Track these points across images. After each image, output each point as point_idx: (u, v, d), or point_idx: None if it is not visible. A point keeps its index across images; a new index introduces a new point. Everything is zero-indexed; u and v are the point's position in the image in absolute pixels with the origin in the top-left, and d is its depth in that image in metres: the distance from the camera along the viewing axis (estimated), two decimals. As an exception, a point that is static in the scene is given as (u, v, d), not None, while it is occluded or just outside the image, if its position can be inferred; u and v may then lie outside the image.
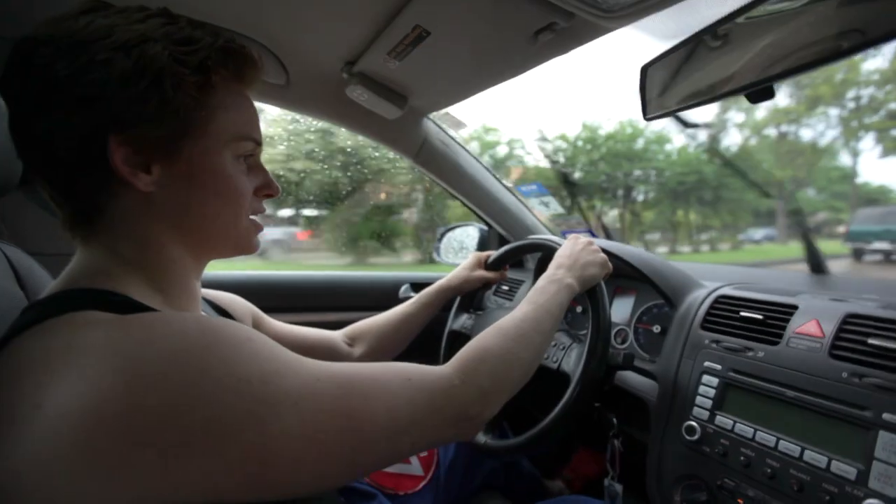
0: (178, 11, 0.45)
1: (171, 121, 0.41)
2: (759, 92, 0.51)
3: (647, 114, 0.66)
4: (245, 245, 0.51)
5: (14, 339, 0.36)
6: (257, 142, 0.49)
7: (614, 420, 0.79)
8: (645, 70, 0.65)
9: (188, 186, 0.44)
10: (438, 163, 1.18)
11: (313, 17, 0.74)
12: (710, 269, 1.00)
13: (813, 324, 0.61)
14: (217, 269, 0.54)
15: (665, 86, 0.64)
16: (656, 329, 0.88)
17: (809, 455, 0.54)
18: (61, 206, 0.43)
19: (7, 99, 0.41)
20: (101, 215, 0.43)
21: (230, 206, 0.47)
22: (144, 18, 0.41)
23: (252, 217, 0.51)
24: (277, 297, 1.24)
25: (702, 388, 0.68)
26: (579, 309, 1.06)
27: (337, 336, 0.83)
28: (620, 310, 0.97)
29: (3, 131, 0.52)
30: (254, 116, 0.49)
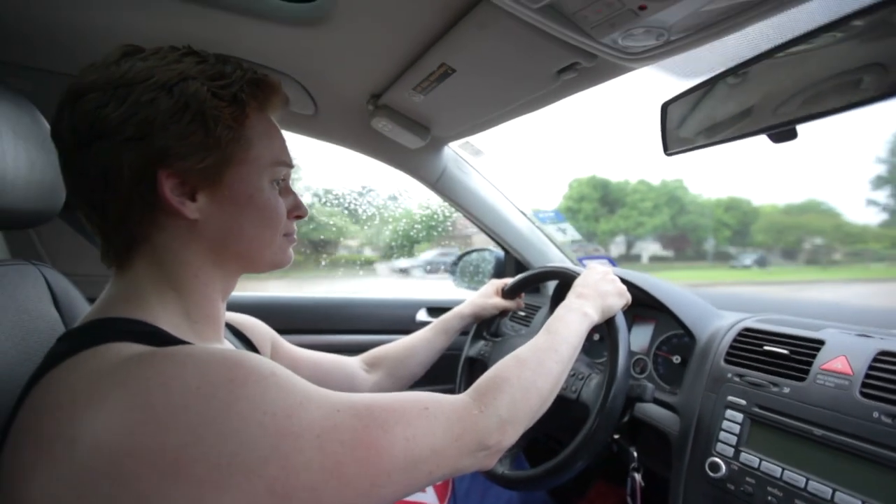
0: (213, 48, 0.48)
1: (214, 151, 0.44)
2: (782, 133, 0.52)
3: (668, 149, 0.68)
4: (279, 260, 0.53)
5: (51, 370, 0.37)
6: (290, 165, 0.52)
7: (634, 453, 0.78)
8: (665, 107, 0.67)
9: (230, 212, 0.47)
10: (457, 190, 1.21)
11: (344, 54, 0.78)
12: (723, 296, 0.99)
13: (841, 360, 0.60)
14: (236, 290, 0.56)
15: (685, 123, 0.66)
16: (676, 360, 0.87)
17: (841, 497, 0.52)
18: (107, 236, 0.45)
19: (59, 141, 0.44)
20: (145, 243, 0.45)
21: (268, 228, 0.50)
22: (179, 58, 0.44)
23: (285, 235, 0.53)
24: (294, 319, 1.25)
25: (725, 424, 0.67)
26: (596, 337, 1.05)
27: (354, 362, 0.84)
28: (639, 338, 0.96)
29: (48, 163, 0.55)
30: (284, 142, 0.52)
